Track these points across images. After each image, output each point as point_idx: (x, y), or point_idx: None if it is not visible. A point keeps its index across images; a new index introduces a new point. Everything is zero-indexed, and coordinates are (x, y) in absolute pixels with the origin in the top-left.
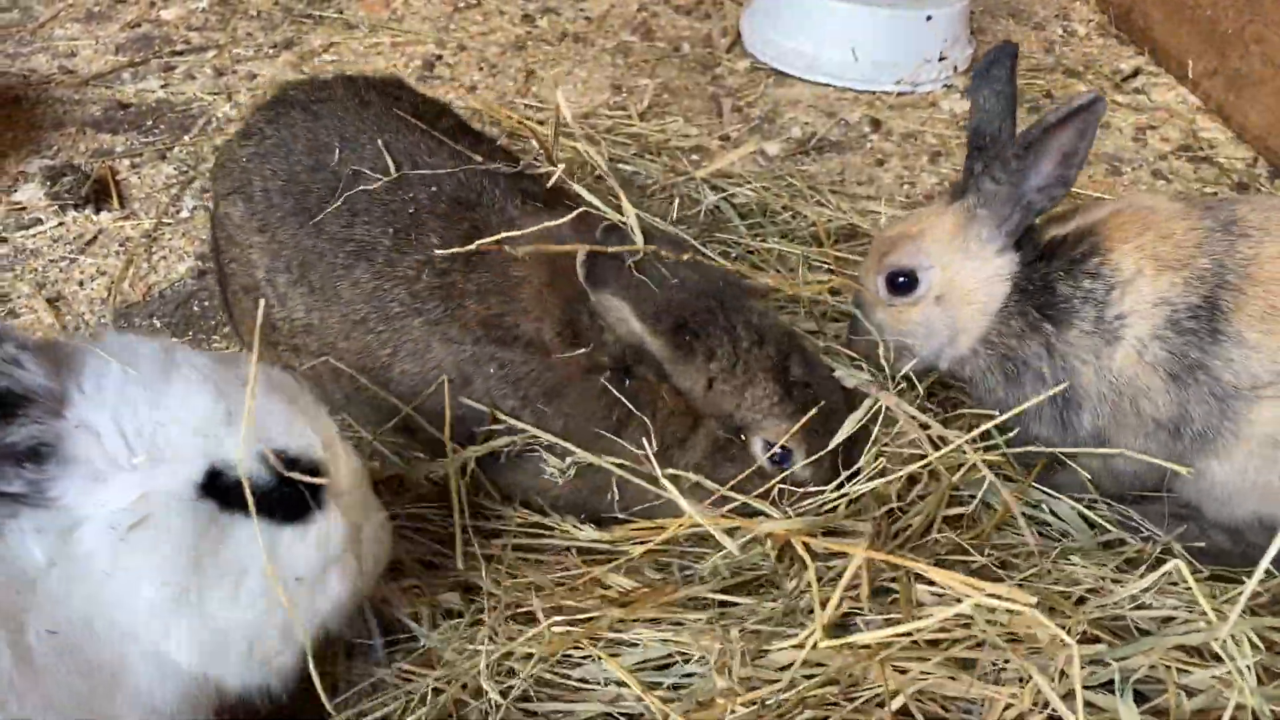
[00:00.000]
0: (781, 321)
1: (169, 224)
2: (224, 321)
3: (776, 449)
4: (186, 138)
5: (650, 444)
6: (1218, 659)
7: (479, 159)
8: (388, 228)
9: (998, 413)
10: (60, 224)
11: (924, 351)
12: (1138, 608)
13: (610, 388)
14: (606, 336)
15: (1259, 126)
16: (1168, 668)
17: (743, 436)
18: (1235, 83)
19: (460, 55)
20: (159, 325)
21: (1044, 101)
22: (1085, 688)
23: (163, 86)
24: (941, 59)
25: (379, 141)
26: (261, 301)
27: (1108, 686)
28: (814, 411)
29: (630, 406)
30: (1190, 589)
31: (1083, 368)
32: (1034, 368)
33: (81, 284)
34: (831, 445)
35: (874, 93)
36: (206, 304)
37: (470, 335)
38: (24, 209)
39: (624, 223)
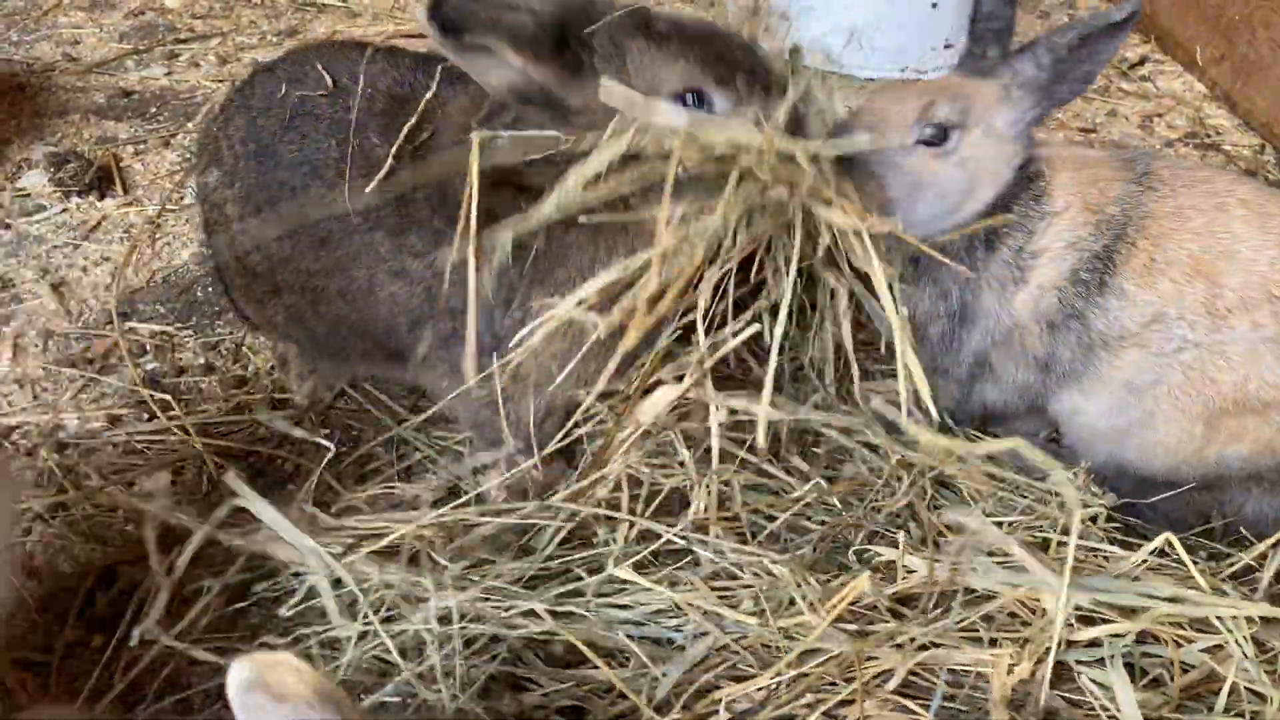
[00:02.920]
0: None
1: (173, 210)
2: (225, 308)
3: (690, 96)
4: (190, 125)
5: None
6: (1211, 629)
7: (408, 56)
8: (331, 139)
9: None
10: (64, 210)
11: (926, 208)
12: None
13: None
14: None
15: (1266, 113)
16: (1158, 639)
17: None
18: (1243, 69)
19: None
20: (163, 311)
21: None
22: (1080, 663)
23: (166, 74)
24: (947, 46)
25: (318, 65)
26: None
27: (1101, 664)
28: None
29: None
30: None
31: (988, 291)
32: (944, 277)
33: (85, 270)
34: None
35: (879, 79)
36: (210, 290)
37: (433, 234)
38: (28, 195)
39: None
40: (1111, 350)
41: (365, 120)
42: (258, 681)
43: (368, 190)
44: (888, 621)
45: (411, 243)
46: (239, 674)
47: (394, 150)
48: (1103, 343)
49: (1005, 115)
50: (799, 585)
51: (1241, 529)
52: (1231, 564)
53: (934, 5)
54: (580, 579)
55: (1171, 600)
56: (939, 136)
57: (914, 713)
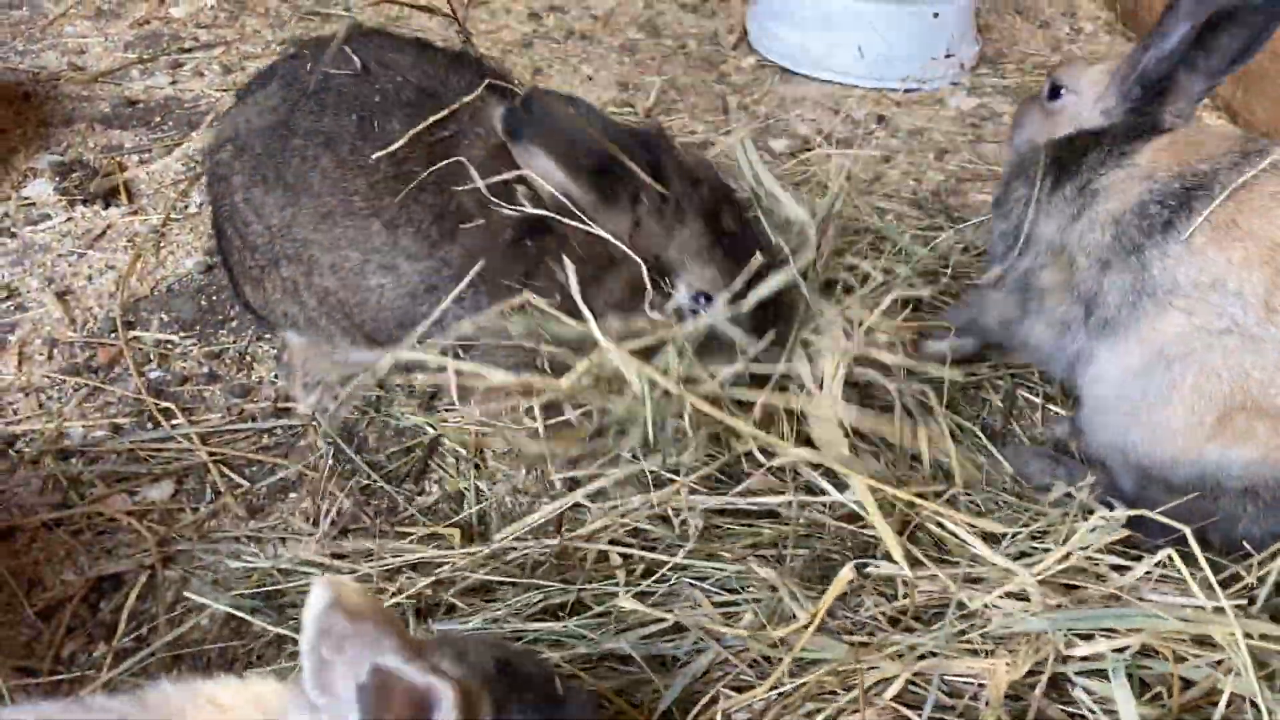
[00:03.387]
0: (718, 175)
1: (177, 219)
2: (230, 317)
3: (702, 297)
4: (194, 134)
5: (571, 279)
6: (1214, 645)
7: (442, 55)
8: (352, 114)
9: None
10: (69, 219)
11: (1026, 133)
12: (1133, 592)
13: (522, 242)
14: (522, 198)
15: (1265, 122)
16: (1158, 653)
17: (666, 280)
18: (1243, 79)
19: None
20: (167, 319)
21: None
22: (1079, 674)
23: (171, 83)
24: (948, 56)
25: (346, 49)
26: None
27: (1096, 676)
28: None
29: (545, 260)
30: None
31: (1045, 220)
32: (1019, 197)
33: (90, 279)
34: (754, 299)
35: (880, 90)
36: (214, 299)
37: (426, 242)
38: (33, 204)
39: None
40: (1159, 304)
41: (390, 107)
42: (336, 601)
43: (375, 159)
44: (887, 633)
45: (405, 244)
46: (321, 593)
47: (408, 136)
48: (1151, 292)
49: (1102, 92)
50: (791, 593)
51: (1245, 544)
52: (1238, 580)
53: (935, 15)
54: (589, 607)
55: (1168, 617)
56: (1056, 94)
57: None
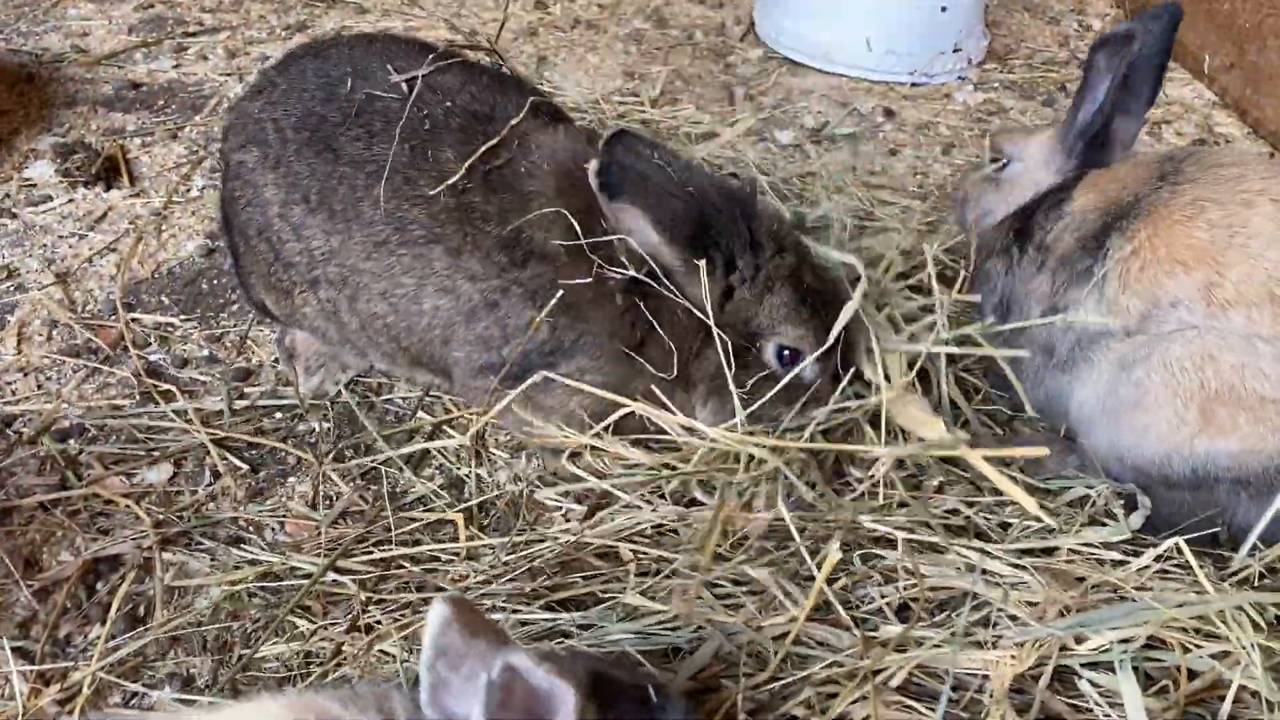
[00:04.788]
0: (791, 227)
1: (179, 203)
2: (230, 300)
3: (787, 352)
4: (198, 118)
5: (672, 363)
6: (1217, 635)
7: (486, 75)
8: (404, 144)
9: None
10: (70, 201)
11: (981, 208)
12: (1139, 588)
13: (626, 305)
14: (615, 249)
15: (1275, 121)
16: (1164, 644)
17: (756, 343)
18: (1252, 77)
19: (472, 40)
20: (167, 302)
21: (1058, 95)
22: (1085, 665)
23: (175, 67)
24: (956, 50)
25: (389, 66)
26: None
27: (1112, 668)
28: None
29: (652, 323)
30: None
31: (1021, 286)
32: (997, 272)
33: (90, 260)
34: (832, 336)
35: (888, 83)
36: (215, 282)
37: (494, 265)
38: (35, 185)
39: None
40: (1102, 345)
41: (441, 133)
42: (453, 618)
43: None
44: (893, 625)
45: (469, 266)
46: (440, 611)
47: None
48: (1093, 339)
49: (1045, 160)
50: (783, 589)
51: (1254, 540)
52: (1240, 570)
53: (943, 9)
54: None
55: (1173, 604)
56: (1003, 164)
57: (919, 713)
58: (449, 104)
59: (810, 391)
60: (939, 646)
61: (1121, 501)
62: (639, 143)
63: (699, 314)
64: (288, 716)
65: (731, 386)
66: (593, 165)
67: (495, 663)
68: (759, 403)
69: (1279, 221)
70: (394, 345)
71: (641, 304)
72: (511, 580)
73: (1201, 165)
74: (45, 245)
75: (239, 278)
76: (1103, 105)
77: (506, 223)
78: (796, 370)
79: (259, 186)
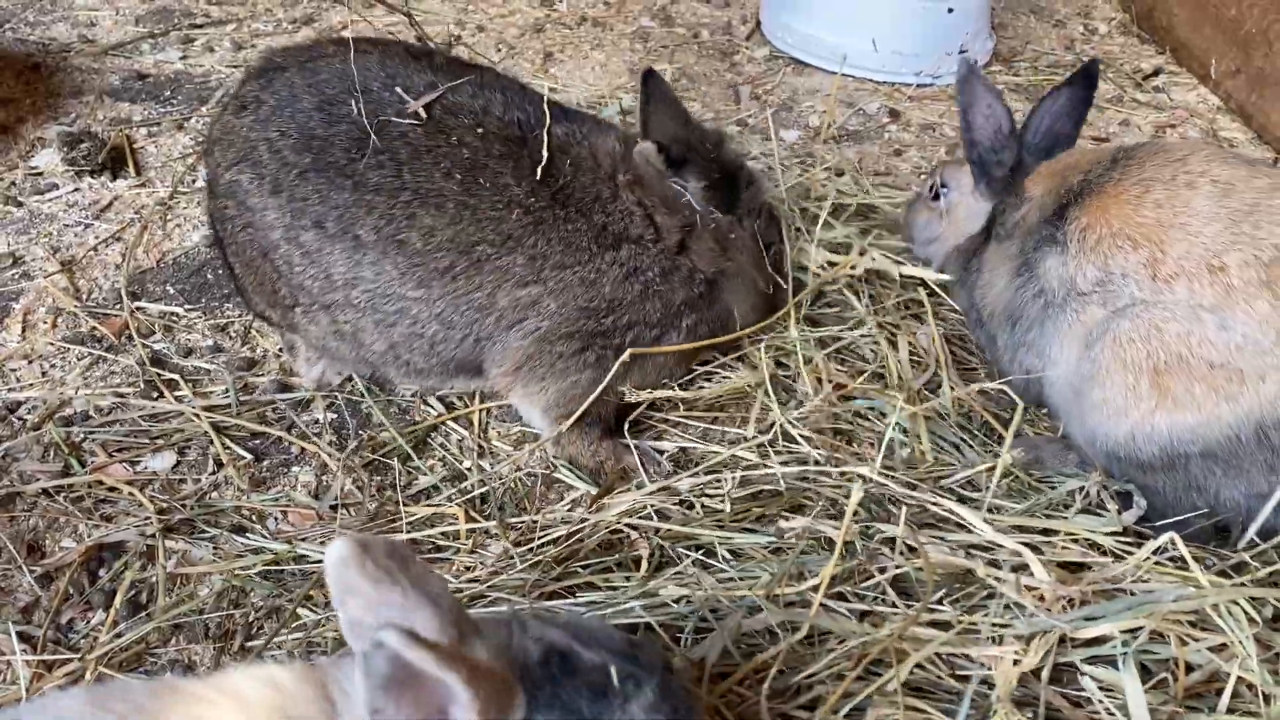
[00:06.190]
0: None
1: (184, 193)
2: (234, 290)
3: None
4: (204, 109)
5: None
6: (1215, 628)
7: (513, 85)
8: (450, 173)
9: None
10: (76, 190)
11: (920, 239)
12: (1137, 580)
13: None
14: (661, 220)
15: (1279, 125)
16: (1163, 636)
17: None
18: (1258, 83)
19: (479, 36)
20: (172, 291)
21: None
22: (1087, 661)
23: (181, 58)
24: (962, 52)
25: (396, 88)
26: None
27: (1111, 662)
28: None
29: (721, 265)
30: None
31: (989, 275)
32: (966, 288)
33: (96, 249)
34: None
35: (893, 84)
36: (220, 272)
37: (586, 251)
38: (41, 174)
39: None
40: (1066, 310)
41: (485, 160)
42: (353, 561)
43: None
44: (895, 608)
45: (560, 258)
46: (337, 552)
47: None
48: (1058, 302)
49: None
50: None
51: (1248, 528)
52: (1244, 566)
53: (950, 11)
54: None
55: (1172, 598)
56: (937, 195)
57: (924, 711)
58: (479, 129)
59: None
60: (963, 633)
61: (1115, 501)
62: (662, 87)
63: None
64: (294, 682)
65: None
66: (649, 147)
67: (377, 634)
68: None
69: (1217, 200)
70: (431, 361)
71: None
72: (520, 572)
73: (1150, 150)
74: (51, 234)
75: (236, 287)
76: (994, 143)
77: (591, 218)
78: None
79: (258, 210)
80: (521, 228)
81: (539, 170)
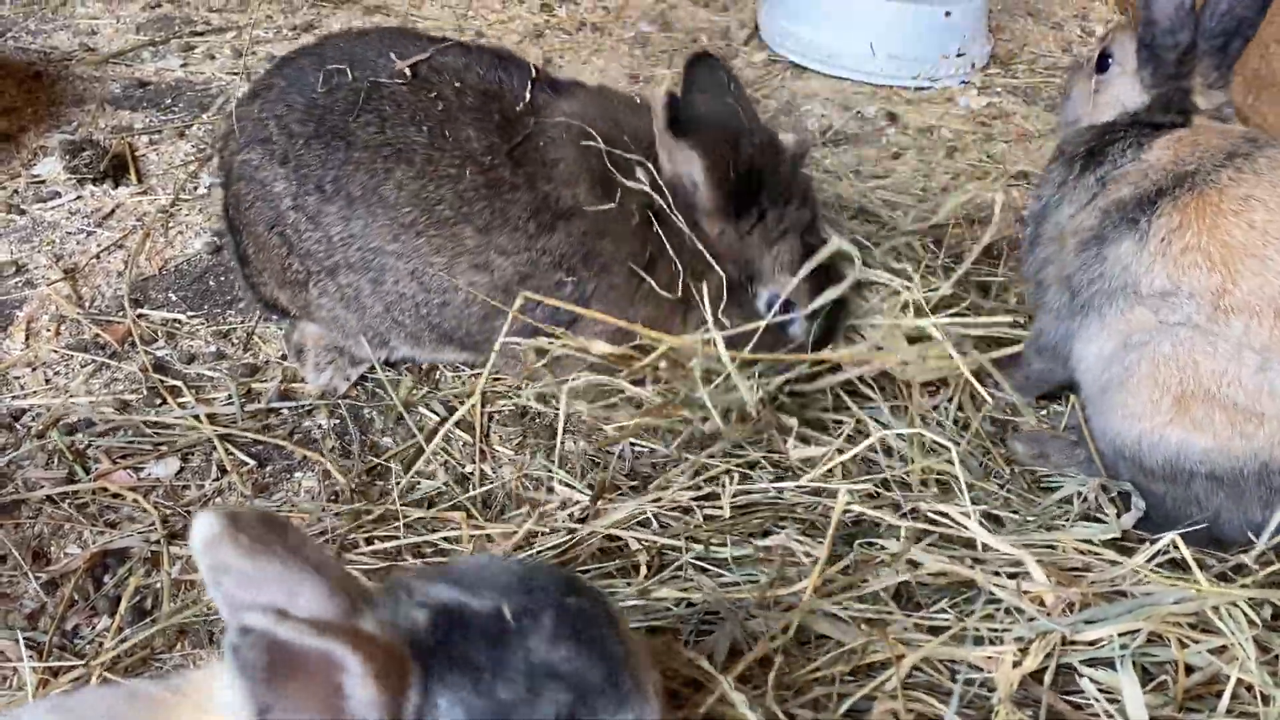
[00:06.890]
0: (812, 186)
1: (186, 200)
2: (237, 297)
3: (780, 302)
4: (205, 116)
5: (677, 286)
6: (1214, 630)
7: (489, 52)
8: (421, 126)
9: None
10: (78, 198)
11: (1075, 110)
12: (1137, 583)
13: (641, 223)
14: (634, 183)
15: (1277, 128)
16: (1162, 638)
17: (751, 284)
18: (1254, 84)
19: (478, 42)
20: (174, 298)
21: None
22: (1085, 662)
23: (182, 66)
24: (959, 55)
25: (390, 54)
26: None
27: (1110, 664)
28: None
29: (663, 243)
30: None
31: (1066, 205)
32: (1053, 179)
33: (98, 257)
34: (819, 302)
35: (891, 87)
36: (222, 279)
37: (524, 236)
38: (43, 182)
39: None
40: (1126, 298)
41: (457, 114)
42: (222, 536)
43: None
44: (892, 613)
45: (500, 241)
46: (203, 529)
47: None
48: (1118, 287)
49: (1134, 64)
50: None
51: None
52: (1243, 569)
53: (948, 14)
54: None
55: (1172, 600)
56: (1103, 65)
57: (921, 711)
58: (458, 84)
59: (793, 348)
60: (955, 638)
61: (1113, 503)
62: (717, 72)
63: (706, 255)
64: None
65: (708, 314)
66: (661, 97)
67: (241, 619)
68: (748, 348)
69: None
70: (422, 325)
71: (654, 233)
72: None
73: (1272, 161)
74: (54, 241)
75: (247, 280)
76: (1173, 19)
77: (535, 189)
78: (777, 318)
79: (267, 183)
80: (474, 190)
81: (505, 124)
